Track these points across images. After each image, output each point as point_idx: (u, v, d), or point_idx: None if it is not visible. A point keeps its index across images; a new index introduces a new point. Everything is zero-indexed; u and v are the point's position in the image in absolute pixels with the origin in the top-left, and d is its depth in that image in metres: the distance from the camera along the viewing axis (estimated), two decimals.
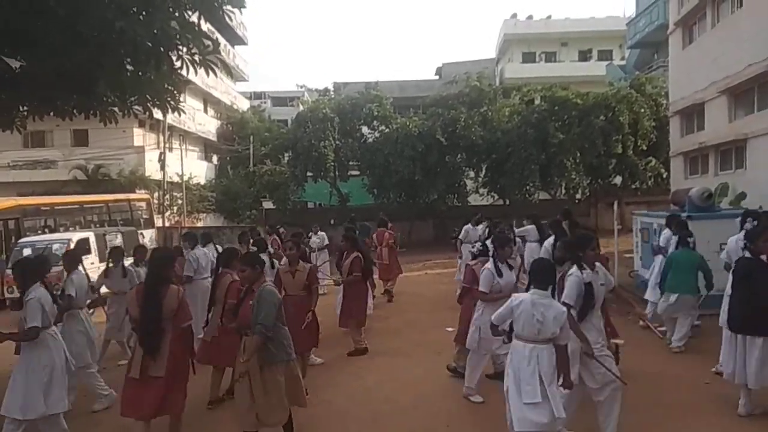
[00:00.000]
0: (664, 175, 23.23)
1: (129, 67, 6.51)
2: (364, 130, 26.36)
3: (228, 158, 38.23)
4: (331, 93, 31.53)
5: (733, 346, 5.51)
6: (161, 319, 4.98)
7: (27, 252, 13.82)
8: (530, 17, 43.08)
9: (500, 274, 5.97)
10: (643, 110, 23.25)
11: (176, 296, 5.07)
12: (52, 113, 7.49)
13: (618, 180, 25.03)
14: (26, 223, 17.28)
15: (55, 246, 13.53)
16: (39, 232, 17.09)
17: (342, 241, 8.88)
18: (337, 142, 24.98)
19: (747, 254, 5.68)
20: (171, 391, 4.99)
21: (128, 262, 8.64)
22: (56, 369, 5.18)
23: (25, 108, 7.58)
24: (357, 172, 26.85)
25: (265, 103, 49.45)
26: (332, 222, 21.70)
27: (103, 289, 8.44)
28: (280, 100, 50.30)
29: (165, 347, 4.95)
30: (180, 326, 5.07)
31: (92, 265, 13.98)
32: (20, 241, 14.76)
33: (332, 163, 25.06)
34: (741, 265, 5.63)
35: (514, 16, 43.33)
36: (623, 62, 36.23)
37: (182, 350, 5.12)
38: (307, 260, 7.67)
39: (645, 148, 23.67)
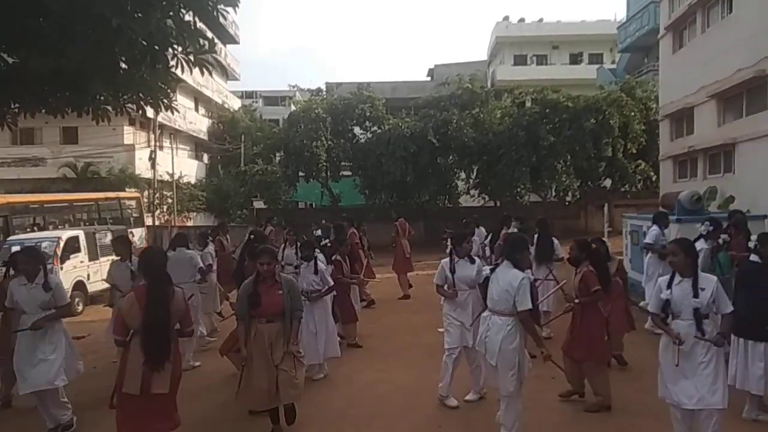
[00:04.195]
0: (654, 178, 23.42)
1: (123, 65, 6.49)
2: (357, 130, 26.35)
3: (219, 157, 38.12)
4: (324, 93, 31.49)
5: (737, 351, 5.43)
6: (170, 326, 4.55)
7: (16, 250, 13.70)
8: (522, 20, 43.23)
9: (453, 270, 6.13)
10: (633, 114, 23.41)
11: (183, 299, 4.68)
12: (43, 110, 7.44)
13: (608, 183, 25.17)
14: (15, 221, 17.10)
15: (45, 244, 13.38)
16: (28, 230, 16.92)
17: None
18: (329, 142, 24.95)
19: (754, 257, 5.60)
20: (172, 406, 4.59)
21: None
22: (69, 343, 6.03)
23: (17, 105, 7.51)
24: (349, 173, 26.83)
25: (256, 102, 49.31)
26: (323, 221, 21.66)
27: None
28: (271, 100, 50.15)
29: (170, 358, 4.49)
30: (183, 332, 4.76)
31: (82, 264, 13.92)
32: (9, 239, 14.58)
33: (324, 164, 25.03)
34: (748, 269, 5.59)
35: (506, 18, 43.43)
36: (614, 66, 36.47)
37: (180, 360, 4.78)
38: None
39: (635, 151, 23.84)
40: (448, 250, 6.43)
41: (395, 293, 13.11)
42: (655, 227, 9.05)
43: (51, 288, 5.74)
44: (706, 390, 4.35)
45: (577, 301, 5.92)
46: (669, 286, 4.55)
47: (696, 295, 4.42)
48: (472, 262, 6.24)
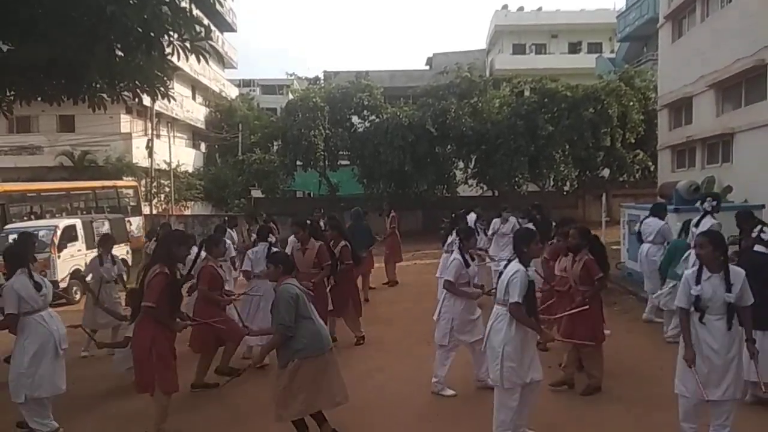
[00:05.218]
0: (652, 168, 23.41)
1: (119, 53, 6.44)
2: (354, 119, 26.22)
3: (216, 146, 37.97)
4: (322, 82, 31.30)
5: None
6: (139, 298, 5.35)
7: (13, 238, 13.67)
8: (521, 8, 43.01)
9: (467, 265, 6.16)
10: (631, 103, 23.33)
11: (152, 275, 5.25)
12: (40, 98, 7.41)
13: (606, 172, 25.13)
14: (12, 209, 17.06)
15: (42, 233, 13.37)
16: (25, 218, 16.87)
17: (327, 230, 8.80)
18: (327, 132, 24.86)
19: (760, 248, 5.56)
20: (145, 369, 5.25)
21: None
22: (41, 353, 5.24)
23: (12, 93, 7.48)
24: (347, 162, 26.76)
25: (254, 90, 49.06)
26: (321, 211, 21.64)
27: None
28: (269, 88, 49.92)
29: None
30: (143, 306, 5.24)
31: (79, 252, 13.89)
32: (6, 227, 14.54)
33: (322, 153, 24.94)
34: (753, 258, 5.51)
35: (505, 7, 43.21)
36: (613, 55, 36.33)
37: (146, 332, 5.22)
38: (318, 238, 7.89)
39: (633, 141, 23.79)
40: (456, 246, 6.36)
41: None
42: (656, 220, 8.91)
43: None
44: (733, 381, 4.43)
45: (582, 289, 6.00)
46: (698, 281, 4.47)
47: (729, 290, 4.38)
48: (473, 258, 6.46)
